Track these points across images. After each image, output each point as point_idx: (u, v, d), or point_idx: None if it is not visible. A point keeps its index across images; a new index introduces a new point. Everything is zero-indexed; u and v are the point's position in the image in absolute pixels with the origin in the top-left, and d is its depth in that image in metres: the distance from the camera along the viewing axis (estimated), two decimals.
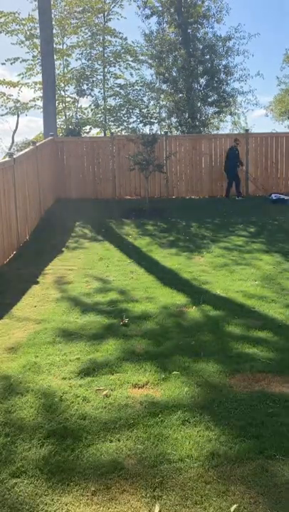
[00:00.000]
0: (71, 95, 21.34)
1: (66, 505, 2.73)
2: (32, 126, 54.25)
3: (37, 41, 18.75)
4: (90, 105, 21.51)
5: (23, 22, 19.43)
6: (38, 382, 4.16)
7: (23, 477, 2.96)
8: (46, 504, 2.73)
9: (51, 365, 4.49)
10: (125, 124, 21.18)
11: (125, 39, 20.47)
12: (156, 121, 21.30)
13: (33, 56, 20.17)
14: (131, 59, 21.13)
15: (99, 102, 21.22)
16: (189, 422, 3.49)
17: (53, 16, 18.36)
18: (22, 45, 20.15)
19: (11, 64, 20.05)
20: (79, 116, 21.40)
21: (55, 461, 3.10)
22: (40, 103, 18.67)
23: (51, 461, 3.10)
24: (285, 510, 2.66)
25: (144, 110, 21.32)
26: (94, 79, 20.94)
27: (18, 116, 23.93)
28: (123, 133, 19.79)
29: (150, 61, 19.50)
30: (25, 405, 3.78)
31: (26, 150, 11.14)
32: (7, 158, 9.17)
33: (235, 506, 2.67)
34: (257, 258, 8.41)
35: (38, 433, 3.41)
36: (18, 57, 20.16)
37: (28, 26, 19.48)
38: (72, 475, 2.97)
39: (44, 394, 3.95)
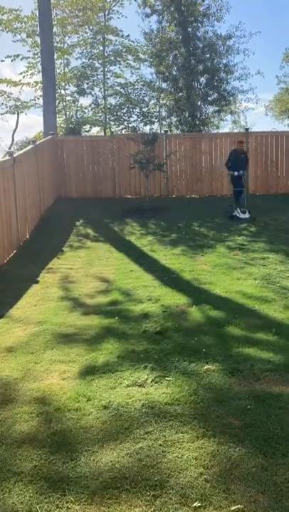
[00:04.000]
0: (72, 94, 21.34)
1: (67, 503, 2.74)
2: (32, 124, 54.22)
3: (38, 39, 18.73)
4: (90, 104, 21.53)
5: (25, 20, 19.42)
6: (37, 382, 4.17)
7: (22, 476, 2.97)
8: (47, 504, 2.74)
9: (51, 365, 4.50)
10: (126, 123, 21.18)
11: (128, 36, 20.49)
12: (156, 120, 21.31)
13: (34, 54, 20.17)
14: (131, 58, 21.12)
15: (99, 100, 21.22)
16: (189, 421, 3.50)
17: (54, 14, 18.36)
18: (24, 43, 20.16)
19: (12, 61, 20.12)
20: (79, 115, 21.40)
21: (55, 461, 3.11)
22: (40, 102, 18.67)
23: (51, 461, 3.11)
24: (285, 509, 2.67)
25: (145, 109, 21.31)
26: (94, 78, 20.94)
27: (18, 115, 23.93)
28: (123, 132, 19.78)
29: (150, 60, 19.47)
30: (24, 405, 3.78)
31: (26, 149, 11.14)
32: (7, 157, 9.18)
33: (236, 507, 2.68)
34: (258, 257, 8.40)
35: (38, 433, 3.42)
36: (19, 55, 20.18)
37: (29, 24, 19.46)
38: (73, 474, 2.97)
39: (44, 394, 3.95)
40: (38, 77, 19.35)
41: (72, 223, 11.57)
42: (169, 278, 7.26)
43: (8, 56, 20.23)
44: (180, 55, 17.78)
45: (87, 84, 20.68)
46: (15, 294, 6.65)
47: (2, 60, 26.47)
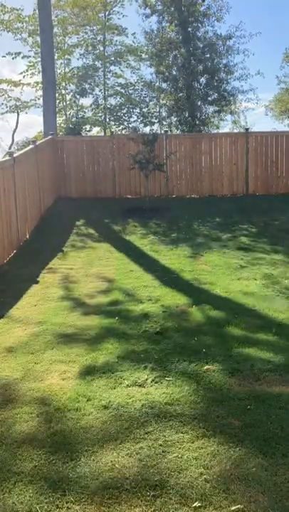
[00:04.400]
0: (72, 94, 21.34)
1: (67, 503, 2.74)
2: (32, 124, 54.25)
3: (39, 39, 18.75)
4: (90, 104, 21.54)
5: (26, 20, 19.45)
6: (37, 382, 4.17)
7: (22, 476, 2.97)
8: (47, 504, 2.74)
9: (51, 365, 4.50)
10: (126, 123, 21.20)
11: (133, 34, 20.59)
12: (156, 120, 21.32)
13: (35, 53, 20.19)
14: (132, 58, 21.14)
15: (99, 101, 21.23)
16: (189, 421, 3.50)
17: (55, 15, 18.37)
18: (25, 43, 20.19)
19: (13, 59, 20.17)
20: (79, 116, 21.41)
21: (55, 461, 3.11)
22: (40, 102, 18.69)
23: (51, 461, 3.11)
24: (285, 509, 2.66)
25: (145, 110, 21.31)
26: (95, 78, 20.96)
27: (18, 114, 23.95)
28: (124, 132, 19.78)
29: (150, 60, 19.45)
30: (24, 405, 3.78)
31: (26, 149, 11.14)
32: (7, 157, 9.18)
33: (236, 507, 2.68)
34: (258, 258, 8.40)
35: (38, 433, 3.41)
36: (20, 52, 20.21)
37: (30, 24, 19.49)
38: (73, 474, 2.97)
39: (44, 394, 3.95)
40: (39, 77, 19.40)
41: (72, 223, 11.57)
42: (169, 278, 7.26)
43: (9, 53, 20.24)
44: (180, 55, 17.77)
45: (88, 84, 20.69)
46: (15, 294, 6.65)
47: (3, 56, 26.45)
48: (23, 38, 19.99)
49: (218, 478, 2.91)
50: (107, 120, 21.48)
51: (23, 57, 20.29)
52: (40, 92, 18.96)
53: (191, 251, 8.99)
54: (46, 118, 15.72)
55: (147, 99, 21.36)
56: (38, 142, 12.18)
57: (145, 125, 20.59)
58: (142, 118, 21.19)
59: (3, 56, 24.55)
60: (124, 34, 20.51)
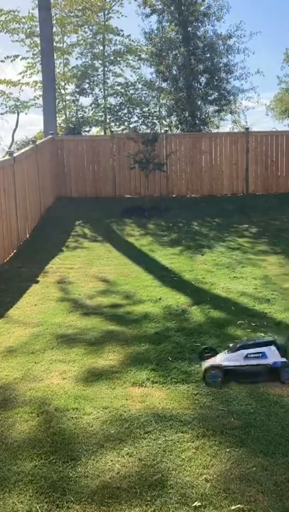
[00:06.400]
0: (72, 94, 21.33)
1: (67, 502, 2.74)
2: (32, 123, 54.26)
3: (37, 39, 18.76)
4: (90, 104, 21.53)
5: (23, 20, 19.44)
6: (37, 382, 4.17)
7: (22, 476, 2.97)
8: (47, 504, 2.74)
9: (51, 365, 4.50)
10: (126, 123, 21.18)
11: (128, 36, 20.56)
12: (157, 121, 21.31)
13: (33, 54, 20.19)
14: (131, 58, 21.13)
15: (99, 100, 21.21)
16: (189, 421, 3.50)
17: (53, 14, 18.36)
18: (23, 43, 20.17)
19: (11, 61, 20.17)
20: (79, 115, 21.39)
21: (55, 461, 3.11)
22: (40, 101, 18.68)
23: (51, 461, 3.11)
24: (285, 509, 2.67)
25: (146, 109, 21.29)
26: (95, 78, 20.95)
27: (18, 114, 23.92)
28: (124, 132, 19.77)
29: (150, 59, 19.42)
30: (24, 405, 3.78)
31: (26, 149, 11.14)
32: (7, 157, 9.18)
33: (236, 507, 2.68)
34: (258, 258, 8.40)
35: (38, 433, 3.42)
36: (18, 55, 20.22)
37: (28, 25, 19.49)
38: (73, 474, 2.97)
39: (44, 394, 3.95)
40: (38, 77, 19.39)
41: (72, 223, 11.57)
42: (169, 278, 7.26)
43: (7, 57, 20.29)
44: (180, 54, 17.74)
45: (88, 84, 20.68)
46: (15, 294, 6.65)
47: (2, 61, 26.42)
48: (21, 38, 19.99)
49: (218, 478, 2.91)
50: (108, 120, 21.47)
51: (21, 59, 20.32)
52: (40, 92, 18.95)
53: (191, 251, 8.99)
54: (46, 118, 15.72)
55: (148, 99, 21.34)
56: (37, 142, 12.17)
57: (147, 127, 20.56)
58: (142, 119, 21.18)
59: (1, 61, 24.38)
60: (121, 36, 20.52)
